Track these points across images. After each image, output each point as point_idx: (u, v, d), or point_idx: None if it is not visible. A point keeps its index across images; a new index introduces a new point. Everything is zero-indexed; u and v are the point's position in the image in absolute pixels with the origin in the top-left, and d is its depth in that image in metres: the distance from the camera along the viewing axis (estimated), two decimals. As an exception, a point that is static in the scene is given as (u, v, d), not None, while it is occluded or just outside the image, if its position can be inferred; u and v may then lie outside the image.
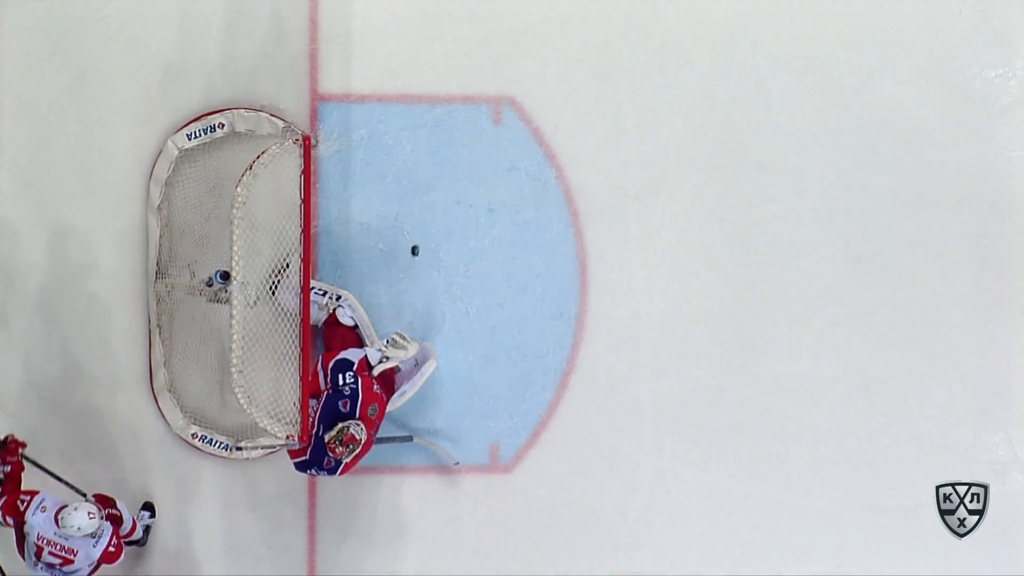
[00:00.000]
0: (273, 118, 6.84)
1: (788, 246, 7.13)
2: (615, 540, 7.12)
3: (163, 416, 6.95)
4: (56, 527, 6.07)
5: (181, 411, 6.93)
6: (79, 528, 6.04)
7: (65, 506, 6.12)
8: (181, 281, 6.79)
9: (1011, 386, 7.17)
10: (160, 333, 6.90)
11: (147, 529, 6.90)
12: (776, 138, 7.12)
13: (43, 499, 6.18)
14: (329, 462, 6.20)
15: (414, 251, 6.96)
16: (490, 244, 7.05)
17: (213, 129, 6.85)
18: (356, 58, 6.99)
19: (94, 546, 6.18)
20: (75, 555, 6.15)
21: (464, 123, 7.02)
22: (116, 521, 6.35)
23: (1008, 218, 7.16)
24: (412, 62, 7.01)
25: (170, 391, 6.94)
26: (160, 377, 6.92)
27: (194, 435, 6.92)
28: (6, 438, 6.35)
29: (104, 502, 6.39)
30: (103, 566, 6.29)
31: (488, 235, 7.05)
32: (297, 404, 6.14)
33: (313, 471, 6.28)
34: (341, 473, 6.27)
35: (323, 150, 6.98)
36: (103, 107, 6.92)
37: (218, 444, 6.90)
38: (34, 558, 6.17)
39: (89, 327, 6.93)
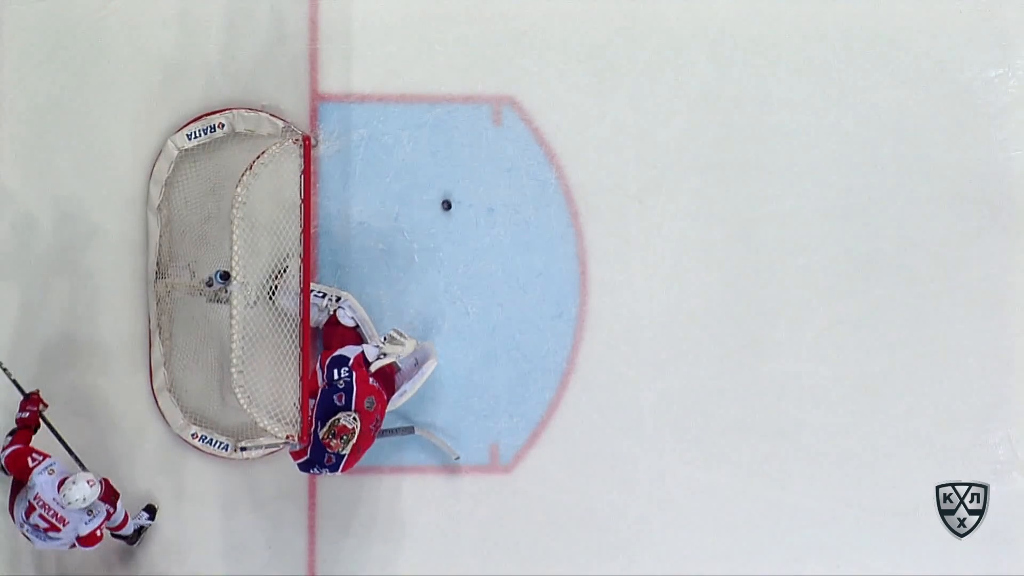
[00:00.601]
0: (273, 118, 6.84)
1: (788, 246, 7.13)
2: (615, 540, 7.12)
3: (163, 416, 6.95)
4: (56, 493, 6.08)
5: (181, 411, 6.93)
6: (84, 498, 6.06)
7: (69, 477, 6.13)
8: (181, 281, 6.79)
9: (1011, 386, 7.17)
10: (160, 333, 6.90)
11: (140, 530, 6.89)
12: (776, 138, 7.12)
13: (54, 463, 6.21)
14: (330, 459, 6.20)
15: (446, 205, 6.95)
16: (490, 244, 7.05)
17: (213, 129, 6.85)
18: (356, 58, 6.99)
19: (85, 523, 6.20)
20: (64, 525, 6.16)
21: (464, 123, 7.02)
22: (108, 514, 6.36)
23: (1008, 218, 7.16)
24: (412, 62, 7.02)
25: (170, 391, 6.94)
26: (160, 377, 6.92)
27: (194, 435, 6.92)
28: (32, 392, 6.41)
29: (108, 491, 6.40)
30: (79, 547, 6.30)
31: (488, 235, 7.05)
32: (297, 404, 6.14)
33: (315, 470, 6.28)
34: (344, 470, 6.27)
35: (323, 150, 6.98)
36: (103, 107, 6.93)
37: (218, 444, 6.90)
38: (23, 516, 6.17)
39: (89, 326, 6.93)
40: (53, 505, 6.13)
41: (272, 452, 6.83)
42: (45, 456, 6.24)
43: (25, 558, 6.91)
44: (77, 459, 6.62)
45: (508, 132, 7.05)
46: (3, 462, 6.25)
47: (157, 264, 6.90)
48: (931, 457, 7.17)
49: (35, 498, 6.13)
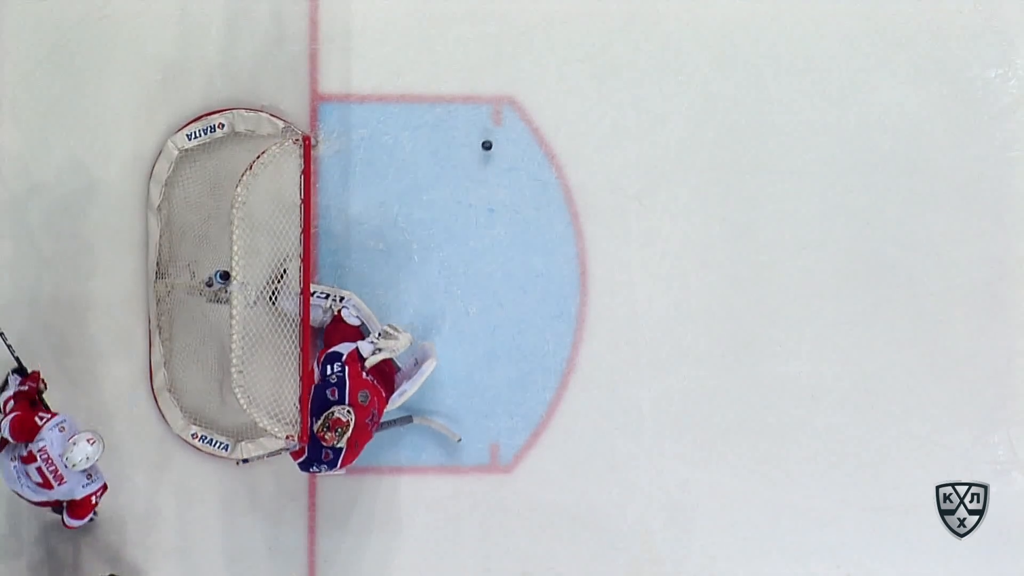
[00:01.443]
0: (273, 118, 6.84)
1: (788, 246, 7.13)
2: (615, 540, 7.12)
3: (163, 416, 6.95)
4: (62, 450, 6.06)
5: (181, 411, 6.93)
6: (87, 457, 6.04)
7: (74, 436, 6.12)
8: (181, 281, 6.80)
9: (1011, 386, 7.17)
10: (160, 333, 6.91)
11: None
12: (776, 138, 7.12)
13: (64, 420, 6.19)
14: (327, 455, 6.20)
15: (486, 145, 6.93)
16: (490, 244, 7.05)
17: (213, 129, 6.85)
18: (356, 58, 6.99)
19: (83, 486, 6.18)
20: (59, 484, 6.13)
21: (464, 123, 7.02)
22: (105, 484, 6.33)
23: (1008, 218, 7.16)
24: (412, 62, 7.01)
25: (170, 391, 6.94)
26: (160, 377, 6.92)
27: (194, 435, 6.92)
28: (33, 371, 6.43)
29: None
30: (67, 519, 6.28)
31: (488, 235, 7.05)
32: (297, 404, 6.14)
33: (315, 468, 6.28)
34: (343, 465, 6.26)
35: (323, 150, 6.98)
36: (103, 107, 6.92)
37: (218, 444, 6.90)
38: (17, 459, 6.13)
39: (89, 327, 6.93)
40: (57, 462, 6.09)
41: (274, 455, 6.82)
42: (54, 414, 6.22)
43: (23, 559, 6.91)
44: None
45: (508, 132, 7.04)
46: (7, 432, 6.18)
47: (157, 264, 6.90)
48: (931, 457, 7.17)
49: (40, 450, 6.08)
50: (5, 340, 6.52)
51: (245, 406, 6.02)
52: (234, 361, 5.98)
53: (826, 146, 7.13)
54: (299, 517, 7.06)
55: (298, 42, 6.97)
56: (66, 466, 6.06)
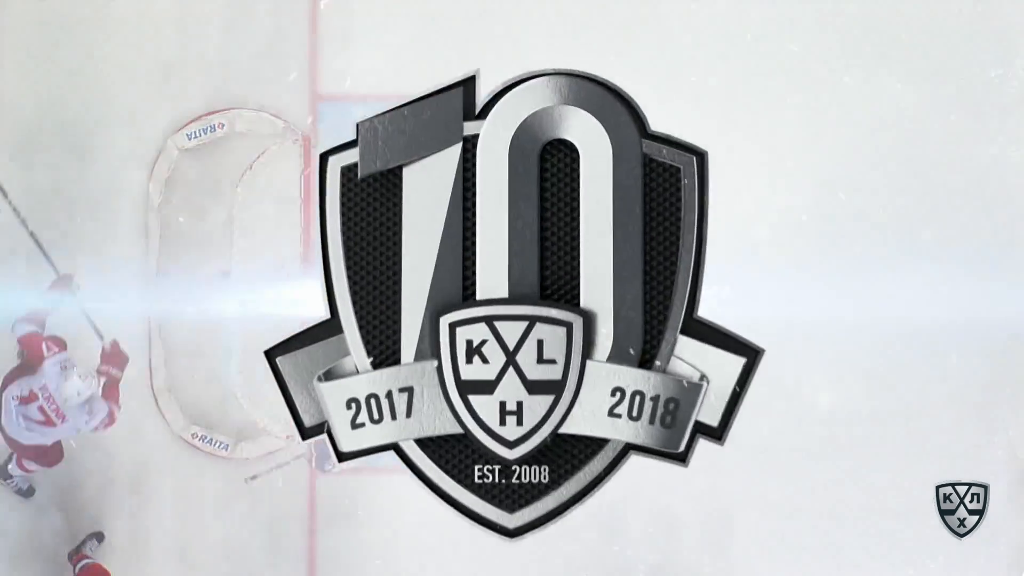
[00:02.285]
0: (273, 118, 6.84)
1: (787, 246, 7.13)
2: (618, 533, 7.11)
3: (163, 416, 6.95)
4: (58, 386, 6.07)
5: (181, 411, 6.94)
6: (78, 392, 6.05)
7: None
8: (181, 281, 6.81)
9: (1011, 386, 7.17)
10: (160, 333, 6.91)
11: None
12: (776, 138, 7.12)
13: (67, 358, 6.19)
14: None
15: None
16: (490, 244, 7.04)
17: (213, 129, 6.86)
18: (356, 58, 6.99)
19: (85, 422, 6.19)
20: (62, 421, 6.13)
21: (464, 123, 7.02)
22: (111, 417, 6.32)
23: (1008, 218, 7.15)
24: (412, 62, 7.01)
25: (170, 391, 6.94)
26: (160, 377, 6.92)
27: (194, 435, 6.92)
28: (66, 274, 6.47)
29: (115, 356, 6.37)
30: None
31: (488, 235, 7.04)
32: (297, 404, 6.14)
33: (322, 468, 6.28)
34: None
35: (323, 150, 6.97)
36: (103, 107, 6.93)
37: (218, 444, 6.90)
38: (17, 399, 6.12)
39: (88, 327, 6.93)
40: (57, 398, 6.10)
41: (278, 467, 6.81)
42: (62, 349, 6.22)
43: (14, 551, 6.91)
44: (97, 330, 6.61)
45: (508, 132, 7.04)
46: (18, 339, 6.18)
47: (157, 264, 6.90)
48: (931, 457, 7.17)
49: (41, 387, 6.10)
50: (35, 240, 6.49)
51: (245, 406, 6.02)
52: (234, 361, 5.98)
53: (826, 146, 7.13)
54: (299, 517, 7.06)
55: (298, 42, 6.97)
56: (63, 401, 6.08)
